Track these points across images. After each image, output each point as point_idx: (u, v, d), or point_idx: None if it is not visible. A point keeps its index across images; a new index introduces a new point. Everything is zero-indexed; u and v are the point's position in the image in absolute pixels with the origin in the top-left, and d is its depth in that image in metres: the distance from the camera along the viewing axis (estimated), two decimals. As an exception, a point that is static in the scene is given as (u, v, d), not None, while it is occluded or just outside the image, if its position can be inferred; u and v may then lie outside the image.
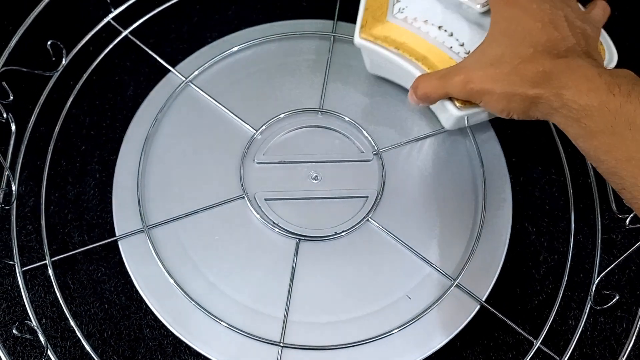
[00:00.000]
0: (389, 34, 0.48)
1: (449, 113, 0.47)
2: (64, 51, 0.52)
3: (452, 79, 0.44)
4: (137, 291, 0.47)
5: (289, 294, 0.47)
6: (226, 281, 0.47)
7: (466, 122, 0.49)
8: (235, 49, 0.55)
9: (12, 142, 0.49)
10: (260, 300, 0.46)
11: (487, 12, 0.46)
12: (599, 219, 0.51)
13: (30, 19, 0.51)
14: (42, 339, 0.44)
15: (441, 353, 0.46)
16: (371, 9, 0.49)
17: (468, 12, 0.47)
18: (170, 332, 0.46)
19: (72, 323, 0.46)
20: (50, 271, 0.47)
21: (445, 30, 0.48)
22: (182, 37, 0.57)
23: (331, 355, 0.45)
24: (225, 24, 0.58)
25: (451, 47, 0.47)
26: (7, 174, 0.48)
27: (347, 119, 0.53)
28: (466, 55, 0.47)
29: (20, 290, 0.47)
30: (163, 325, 0.46)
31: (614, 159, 0.37)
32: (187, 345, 0.46)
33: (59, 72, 0.53)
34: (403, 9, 0.48)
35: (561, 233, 0.51)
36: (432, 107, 0.52)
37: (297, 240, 0.48)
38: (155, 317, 0.47)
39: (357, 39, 0.49)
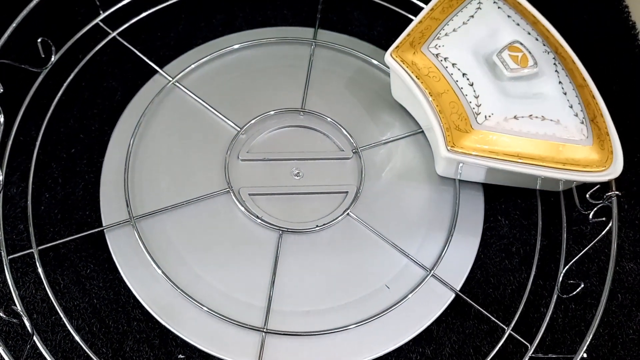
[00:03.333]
0: (417, 62, 0.50)
1: (439, 152, 0.48)
2: (53, 49, 0.54)
3: None
4: (124, 286, 0.49)
5: (272, 283, 0.48)
6: (212, 271, 0.49)
7: (458, 173, 0.51)
8: (220, 52, 0.58)
9: (0, 134, 0.51)
10: (244, 289, 0.48)
11: (513, 79, 0.48)
12: (564, 212, 0.53)
13: (21, 17, 0.53)
14: (27, 323, 0.45)
15: (419, 339, 0.48)
16: (412, 36, 0.51)
17: (497, 72, 0.49)
18: (157, 324, 0.48)
19: (62, 316, 0.47)
20: (37, 262, 0.49)
21: (468, 79, 0.49)
22: (169, 42, 0.59)
23: (312, 341, 0.47)
24: (210, 31, 0.60)
25: (466, 95, 0.48)
26: None
27: (327, 119, 0.55)
28: (478, 107, 0.48)
29: (7, 281, 0.48)
30: (150, 318, 0.48)
31: None
32: (173, 336, 0.48)
33: (48, 69, 0.55)
34: (440, 46, 0.50)
35: (532, 225, 0.53)
36: (433, 149, 0.53)
37: (280, 232, 0.50)
38: (143, 310, 0.48)
39: (387, 56, 0.51)
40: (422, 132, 0.55)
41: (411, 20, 0.60)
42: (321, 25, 0.60)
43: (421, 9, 0.56)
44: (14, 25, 0.52)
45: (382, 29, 0.62)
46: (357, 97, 0.57)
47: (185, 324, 0.47)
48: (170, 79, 0.56)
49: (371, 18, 0.63)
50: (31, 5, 0.53)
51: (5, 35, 0.51)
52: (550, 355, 0.48)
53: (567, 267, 0.50)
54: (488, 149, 0.47)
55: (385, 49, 0.59)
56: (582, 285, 0.48)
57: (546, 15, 0.53)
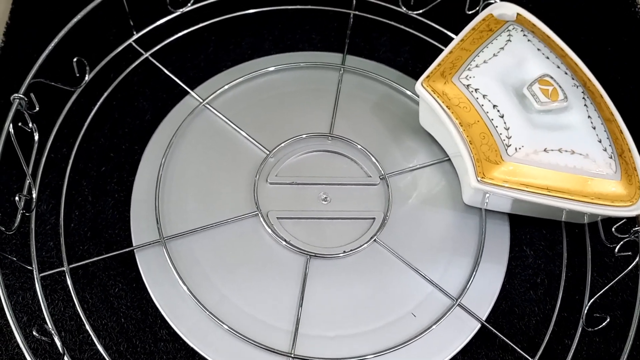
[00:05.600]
0: (448, 93, 0.51)
1: (469, 182, 0.49)
2: (87, 68, 0.55)
3: None
4: (152, 306, 0.49)
5: (299, 307, 0.49)
6: (240, 294, 0.49)
7: (485, 203, 0.52)
8: (250, 75, 0.59)
9: (34, 151, 0.51)
10: (272, 312, 0.49)
11: (543, 111, 0.49)
12: (589, 244, 0.53)
13: (58, 37, 0.54)
14: (58, 343, 0.45)
15: (444, 369, 0.49)
16: (443, 66, 0.52)
17: (526, 105, 0.49)
18: (184, 345, 0.48)
19: (91, 333, 0.48)
20: (68, 280, 0.49)
21: (499, 111, 0.49)
22: (199, 65, 0.60)
23: (340, 368, 0.47)
24: (239, 54, 0.61)
25: (497, 126, 0.49)
26: (29, 182, 0.50)
27: (355, 144, 0.55)
28: (508, 139, 0.48)
29: (38, 297, 0.48)
30: (177, 338, 0.48)
31: None
32: (200, 358, 0.48)
33: (82, 88, 0.56)
34: (471, 77, 0.51)
35: (557, 256, 0.54)
36: (461, 178, 0.54)
37: (307, 257, 0.51)
38: (170, 331, 0.49)
39: (418, 85, 0.52)
40: (449, 159, 0.55)
41: (436, 47, 0.61)
42: (349, 51, 0.61)
43: (445, 35, 0.57)
44: (51, 46, 0.53)
45: (408, 56, 0.63)
46: (384, 122, 0.57)
47: (212, 346, 0.47)
48: (201, 100, 0.57)
49: (397, 45, 0.63)
50: (68, 26, 0.54)
51: (43, 55, 0.52)
52: (575, 388, 0.48)
53: (592, 300, 0.50)
54: (517, 180, 0.48)
55: (412, 75, 0.61)
56: (608, 319, 0.49)
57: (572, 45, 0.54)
